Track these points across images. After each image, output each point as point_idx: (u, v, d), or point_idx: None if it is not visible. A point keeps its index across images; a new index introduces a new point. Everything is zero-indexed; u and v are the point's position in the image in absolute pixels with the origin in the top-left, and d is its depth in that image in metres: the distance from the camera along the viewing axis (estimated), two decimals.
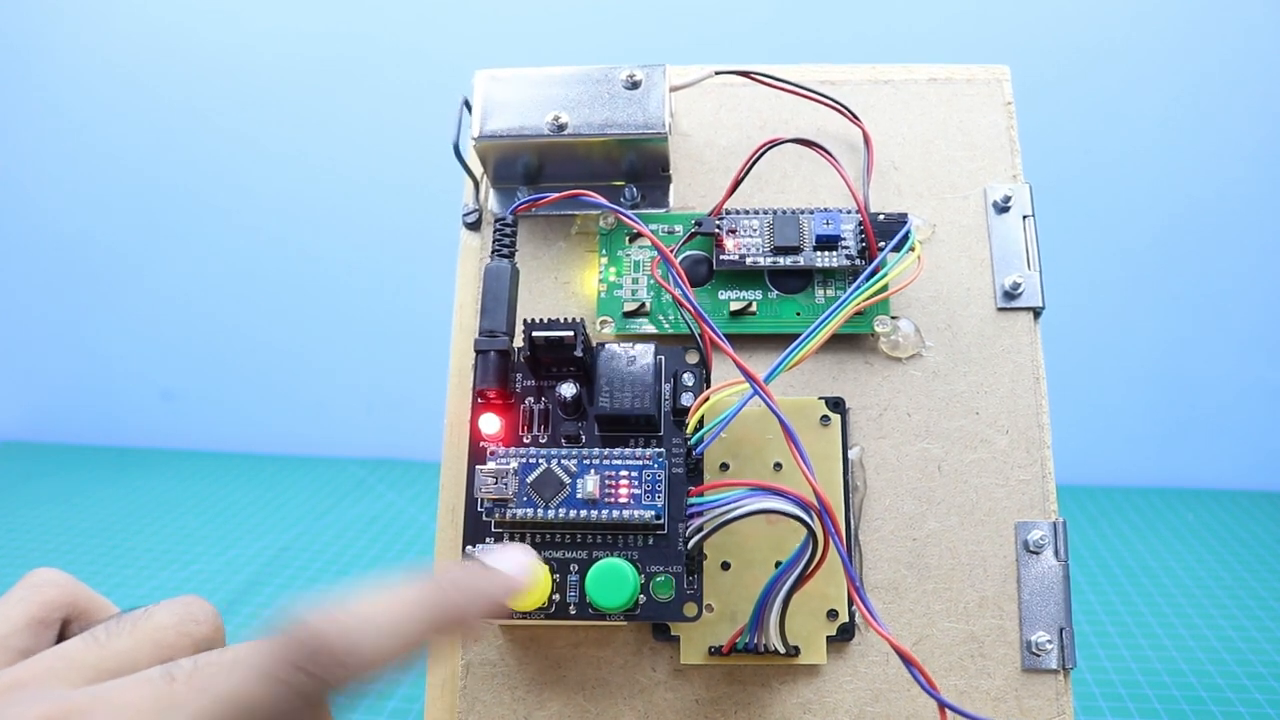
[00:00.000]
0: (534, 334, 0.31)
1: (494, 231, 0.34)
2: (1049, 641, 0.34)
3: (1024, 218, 0.39)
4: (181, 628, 0.23)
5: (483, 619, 0.25)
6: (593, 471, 0.31)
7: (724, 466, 0.35)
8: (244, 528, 0.81)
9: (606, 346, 0.33)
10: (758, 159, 0.37)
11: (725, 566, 0.34)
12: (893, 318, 0.37)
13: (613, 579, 0.30)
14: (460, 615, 0.24)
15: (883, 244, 0.36)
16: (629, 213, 0.34)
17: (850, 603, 0.34)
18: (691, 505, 0.31)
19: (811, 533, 0.29)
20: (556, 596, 0.31)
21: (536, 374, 0.33)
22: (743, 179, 0.37)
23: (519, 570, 0.28)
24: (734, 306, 0.37)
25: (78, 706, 0.19)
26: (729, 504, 0.30)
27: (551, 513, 0.30)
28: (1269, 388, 0.89)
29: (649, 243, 0.37)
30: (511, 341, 0.32)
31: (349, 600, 0.22)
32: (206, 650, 0.23)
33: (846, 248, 0.37)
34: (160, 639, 0.22)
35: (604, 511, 0.30)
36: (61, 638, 0.24)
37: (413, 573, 0.24)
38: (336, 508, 0.86)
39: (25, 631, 0.23)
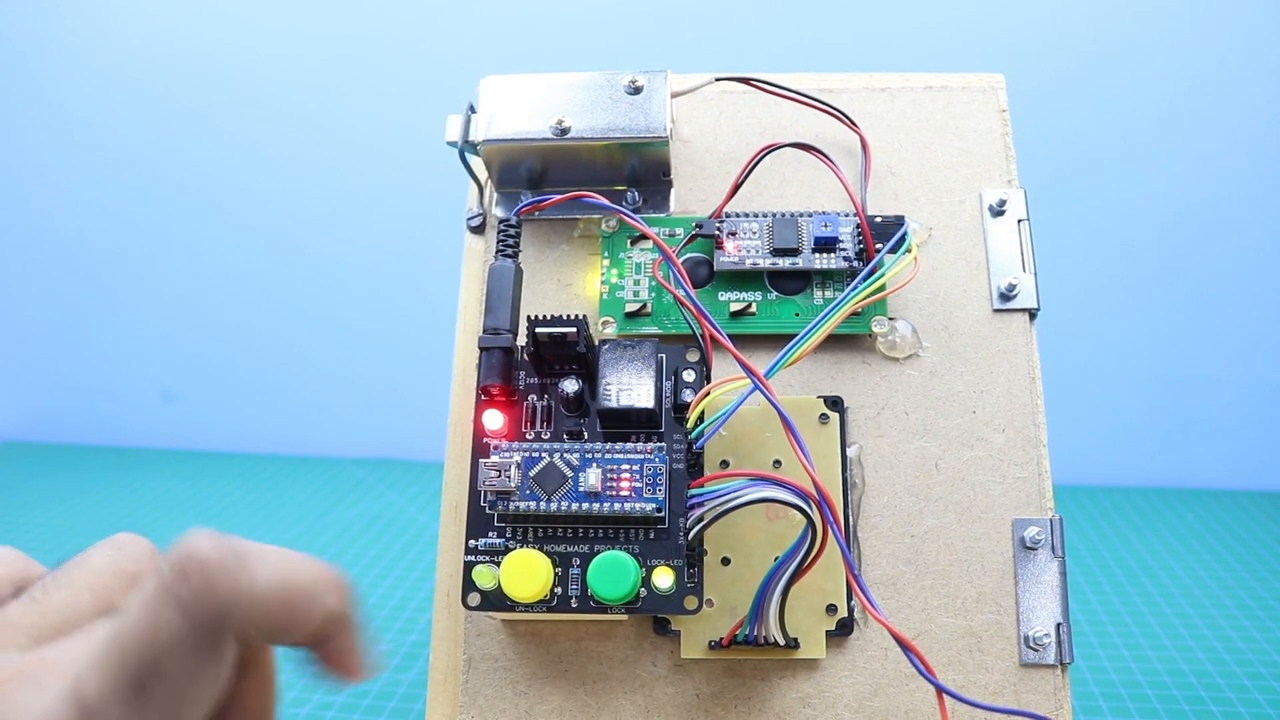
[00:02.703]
0: (537, 330, 0.32)
1: (498, 233, 0.34)
2: (1046, 636, 0.34)
3: (1019, 221, 0.39)
4: (117, 568, 0.22)
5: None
6: (595, 465, 0.31)
7: (724, 463, 0.36)
8: (244, 528, 0.81)
9: (608, 343, 0.33)
10: (757, 163, 0.37)
11: (725, 562, 0.35)
12: (890, 318, 0.38)
13: (614, 571, 0.30)
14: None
15: (880, 246, 0.36)
16: (631, 214, 0.35)
17: (849, 597, 0.35)
18: (692, 496, 0.31)
19: (810, 522, 0.29)
20: (559, 589, 0.31)
21: (540, 371, 0.33)
22: (742, 183, 0.38)
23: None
24: (734, 307, 0.37)
25: (22, 670, 0.18)
26: (729, 494, 0.30)
27: (554, 505, 0.31)
28: (1269, 388, 0.89)
29: (650, 245, 0.38)
30: (515, 339, 0.33)
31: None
32: None
33: (844, 250, 0.37)
34: (97, 584, 0.21)
35: (606, 504, 0.31)
36: None
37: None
38: (336, 508, 0.86)
39: None
